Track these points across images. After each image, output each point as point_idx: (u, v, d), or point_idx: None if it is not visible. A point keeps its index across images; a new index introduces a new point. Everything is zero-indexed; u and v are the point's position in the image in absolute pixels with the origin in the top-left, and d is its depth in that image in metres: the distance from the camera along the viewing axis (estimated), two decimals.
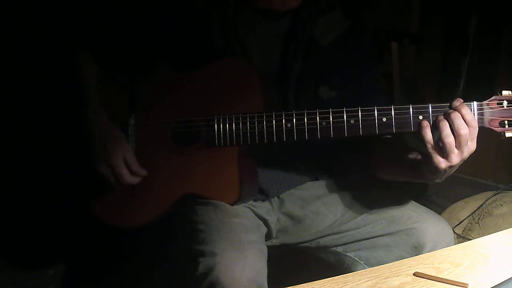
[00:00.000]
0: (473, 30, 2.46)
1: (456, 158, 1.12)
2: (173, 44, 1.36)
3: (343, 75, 1.38)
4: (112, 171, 1.31)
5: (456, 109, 1.13)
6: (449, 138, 1.11)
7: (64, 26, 1.39)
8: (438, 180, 1.19)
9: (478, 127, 1.14)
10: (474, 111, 1.15)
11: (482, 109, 1.16)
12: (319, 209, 1.42)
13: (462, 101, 1.14)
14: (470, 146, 1.12)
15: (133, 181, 1.33)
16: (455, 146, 1.11)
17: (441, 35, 2.73)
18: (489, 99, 1.16)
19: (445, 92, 2.66)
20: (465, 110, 1.12)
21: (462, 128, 1.10)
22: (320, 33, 1.36)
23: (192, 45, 1.36)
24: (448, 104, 1.16)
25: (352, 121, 1.21)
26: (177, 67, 1.34)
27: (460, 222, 1.88)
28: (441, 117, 1.13)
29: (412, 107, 1.17)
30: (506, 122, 1.15)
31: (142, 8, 1.38)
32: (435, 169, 1.14)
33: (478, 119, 1.15)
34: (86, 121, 1.34)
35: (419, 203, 1.38)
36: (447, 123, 1.12)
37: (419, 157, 1.21)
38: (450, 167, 1.13)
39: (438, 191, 2.47)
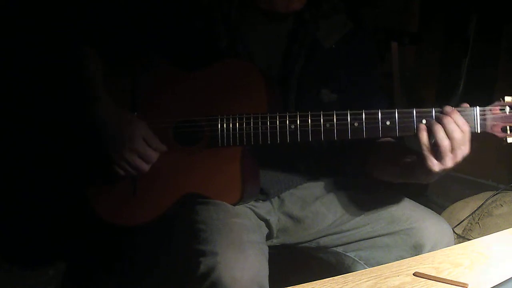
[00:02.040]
0: (473, 30, 2.46)
1: (449, 161, 1.14)
2: (177, 43, 1.36)
3: (345, 78, 1.39)
4: (137, 153, 1.29)
5: (447, 115, 1.15)
6: (444, 141, 1.13)
7: (72, 24, 1.39)
8: (430, 181, 1.21)
9: (480, 132, 1.16)
10: (476, 116, 1.16)
11: (484, 114, 1.17)
12: (318, 209, 1.42)
13: (453, 108, 1.16)
14: (464, 150, 1.15)
15: (156, 157, 1.31)
16: (449, 150, 1.13)
17: (441, 35, 2.73)
18: (492, 105, 1.18)
19: (445, 92, 2.66)
20: (456, 115, 1.15)
21: (455, 131, 1.13)
22: (323, 35, 1.37)
23: (195, 45, 1.36)
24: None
25: (356, 124, 1.21)
26: (180, 67, 1.34)
27: (460, 222, 1.88)
28: (434, 121, 1.15)
29: (415, 111, 1.19)
30: (508, 127, 1.17)
31: (146, 7, 1.38)
32: (429, 171, 1.16)
33: (481, 124, 1.17)
34: (96, 111, 1.32)
35: (419, 203, 1.38)
36: (441, 126, 1.14)
37: (413, 159, 1.22)
38: (443, 170, 1.15)
39: (438, 191, 2.47)
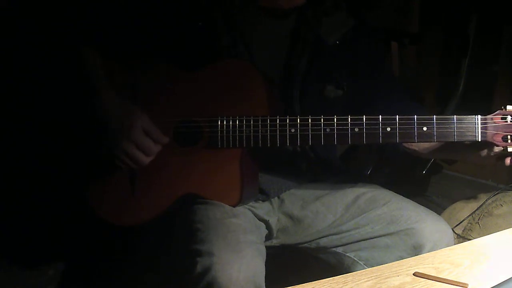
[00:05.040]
0: (473, 30, 2.46)
1: None
2: (177, 43, 1.36)
3: (349, 74, 1.39)
4: (136, 144, 1.28)
5: None
6: None
7: (73, 24, 1.39)
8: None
9: (481, 141, 1.17)
10: (477, 125, 1.17)
11: (486, 123, 1.17)
12: (318, 209, 1.42)
13: None
14: None
15: (156, 150, 1.30)
16: None
17: (441, 35, 2.73)
18: (493, 113, 1.18)
19: (445, 92, 2.66)
20: None
21: None
22: (326, 32, 1.37)
23: (196, 44, 1.36)
24: (453, 116, 1.17)
25: (356, 129, 1.21)
26: (181, 66, 1.34)
27: (460, 222, 1.87)
28: None
29: (416, 118, 1.19)
30: (509, 137, 1.17)
31: (146, 6, 1.38)
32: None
33: (482, 133, 1.17)
34: (97, 102, 1.31)
35: (419, 203, 1.38)
36: None
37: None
38: None
39: (438, 191, 2.47)
